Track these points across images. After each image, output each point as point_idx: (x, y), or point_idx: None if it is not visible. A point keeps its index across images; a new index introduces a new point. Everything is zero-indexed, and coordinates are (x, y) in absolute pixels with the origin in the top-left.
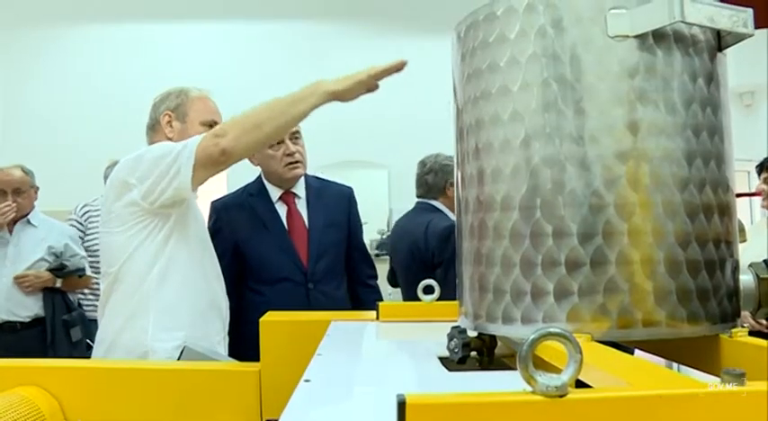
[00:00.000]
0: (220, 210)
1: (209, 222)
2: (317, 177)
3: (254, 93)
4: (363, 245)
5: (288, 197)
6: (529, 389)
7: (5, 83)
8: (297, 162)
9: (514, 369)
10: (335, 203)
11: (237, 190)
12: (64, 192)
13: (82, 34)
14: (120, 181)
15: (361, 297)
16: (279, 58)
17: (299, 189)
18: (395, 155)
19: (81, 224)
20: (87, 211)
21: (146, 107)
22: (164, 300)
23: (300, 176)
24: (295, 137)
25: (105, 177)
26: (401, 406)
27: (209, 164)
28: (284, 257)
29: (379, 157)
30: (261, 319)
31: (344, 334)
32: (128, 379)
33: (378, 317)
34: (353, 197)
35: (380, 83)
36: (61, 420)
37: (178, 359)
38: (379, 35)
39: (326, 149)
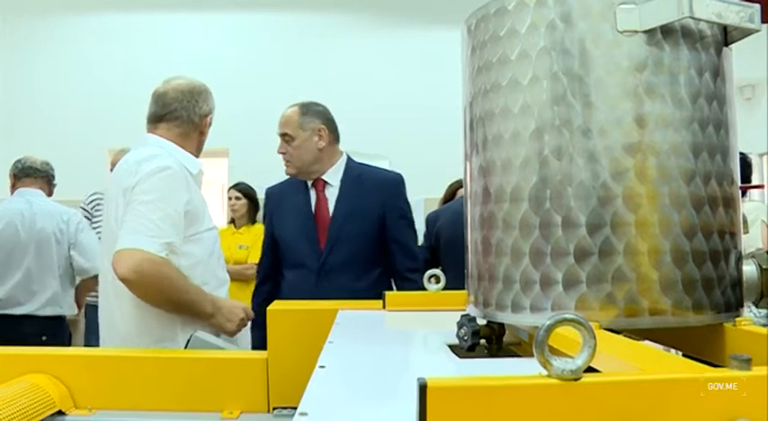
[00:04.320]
0: (269, 196)
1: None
2: (362, 163)
3: (256, 83)
4: (403, 236)
5: (318, 184)
6: (544, 373)
7: (9, 72)
8: (286, 161)
9: (522, 356)
10: (371, 192)
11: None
12: (65, 183)
13: (86, 23)
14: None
15: (401, 290)
16: (279, 49)
17: (331, 176)
18: (396, 145)
19: (88, 212)
20: (95, 199)
21: (150, 97)
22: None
23: (290, 175)
24: (284, 139)
25: (113, 164)
26: (422, 389)
27: None
28: (304, 243)
29: (380, 148)
30: (268, 308)
31: (353, 322)
32: (136, 367)
33: (384, 306)
34: (397, 185)
35: (382, 72)
36: (71, 406)
37: (185, 347)
38: (381, 27)
39: None
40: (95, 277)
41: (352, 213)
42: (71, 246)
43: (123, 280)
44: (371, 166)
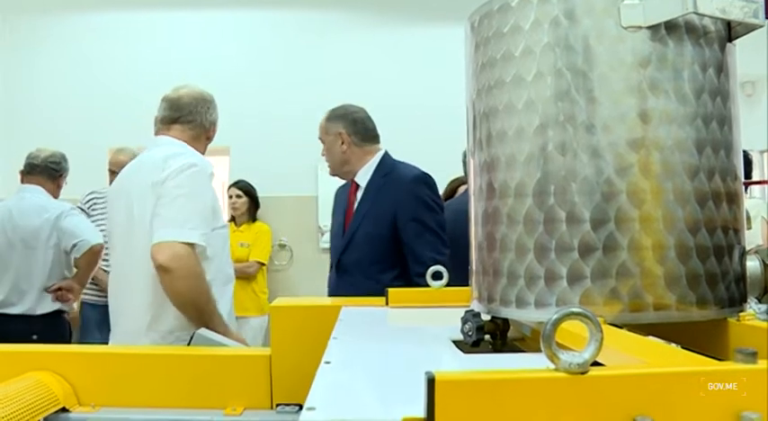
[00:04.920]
0: (335, 196)
1: None
2: (396, 161)
3: (256, 80)
4: (411, 240)
5: (353, 185)
6: (551, 366)
7: (9, 72)
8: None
9: (526, 351)
10: (389, 192)
11: None
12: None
13: (86, 22)
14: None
15: None
16: (279, 46)
17: (361, 177)
18: (396, 143)
19: (85, 211)
20: (92, 199)
21: (150, 96)
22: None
23: (333, 175)
24: (322, 143)
25: (116, 164)
26: (430, 382)
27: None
28: (335, 244)
29: (387, 145)
30: (271, 305)
31: (357, 318)
32: (140, 364)
33: (387, 303)
34: (411, 184)
35: (383, 70)
36: (75, 404)
37: (188, 344)
38: (382, 24)
39: None
40: (90, 258)
41: (369, 213)
42: (59, 233)
43: (162, 269)
44: (402, 164)
